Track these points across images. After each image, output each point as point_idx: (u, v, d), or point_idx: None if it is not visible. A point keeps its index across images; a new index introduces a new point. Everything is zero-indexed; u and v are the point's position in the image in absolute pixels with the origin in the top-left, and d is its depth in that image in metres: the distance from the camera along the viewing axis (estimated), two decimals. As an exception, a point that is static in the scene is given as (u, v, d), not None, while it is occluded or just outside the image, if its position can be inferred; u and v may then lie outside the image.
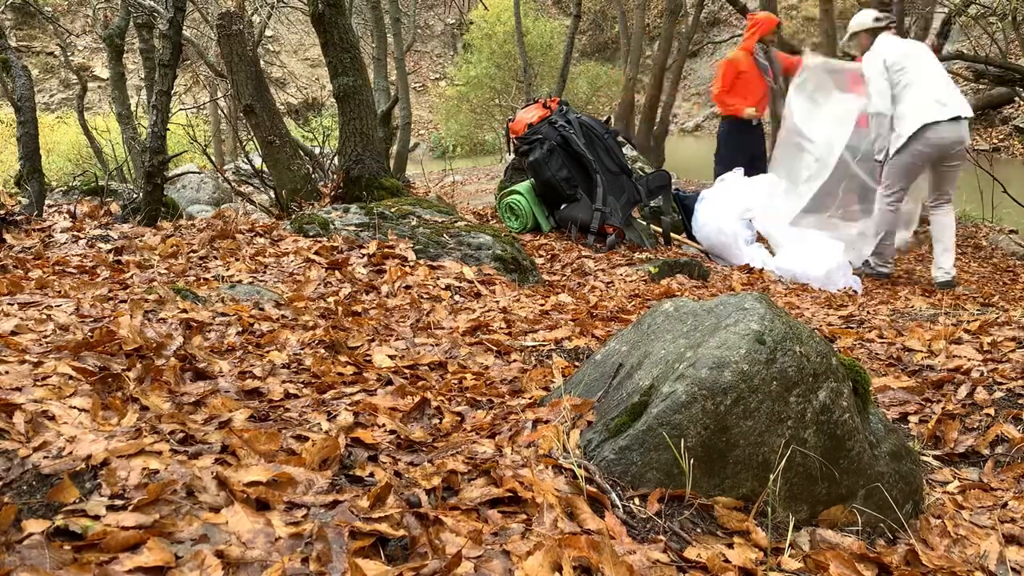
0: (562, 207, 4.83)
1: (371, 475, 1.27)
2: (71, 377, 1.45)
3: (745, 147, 6.26)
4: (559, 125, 4.82)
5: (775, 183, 5.53)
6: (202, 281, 2.51)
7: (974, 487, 1.69)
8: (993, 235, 7.07)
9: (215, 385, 1.58)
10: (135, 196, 4.56)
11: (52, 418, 1.26)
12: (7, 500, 1.03)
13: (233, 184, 7.09)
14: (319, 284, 2.60)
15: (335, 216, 3.53)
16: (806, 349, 1.44)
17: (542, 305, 2.81)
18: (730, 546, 1.27)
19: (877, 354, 2.53)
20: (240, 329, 1.97)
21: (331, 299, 2.42)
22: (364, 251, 3.06)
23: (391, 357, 1.96)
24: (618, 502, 1.30)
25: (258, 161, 5.90)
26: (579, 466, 1.34)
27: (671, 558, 1.19)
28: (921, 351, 2.46)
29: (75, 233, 3.09)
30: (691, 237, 5.56)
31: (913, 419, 2.03)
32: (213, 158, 9.75)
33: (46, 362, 1.49)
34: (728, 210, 5.35)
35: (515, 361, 2.08)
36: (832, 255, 4.93)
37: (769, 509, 1.36)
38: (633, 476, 1.37)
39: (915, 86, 4.76)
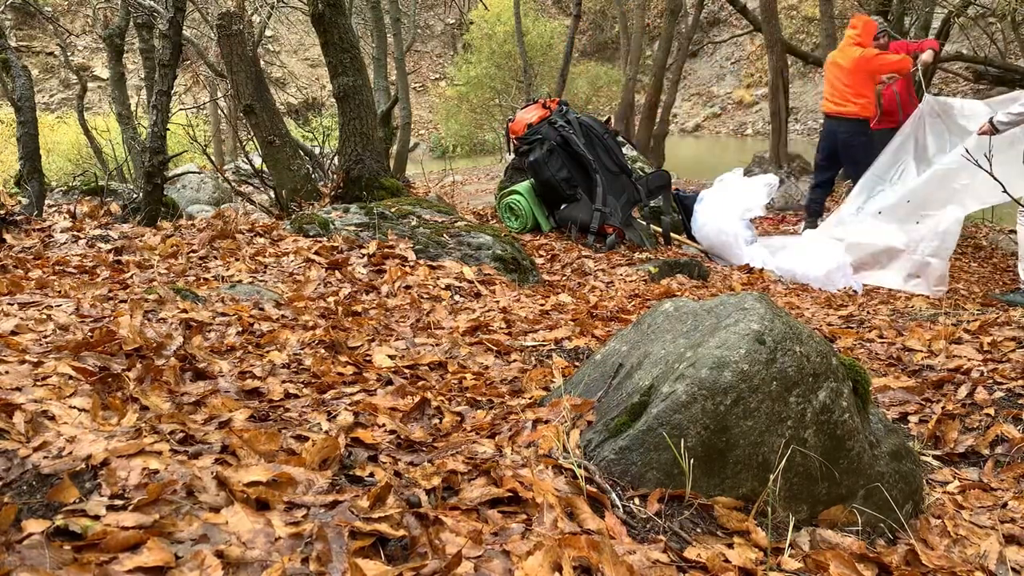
0: (562, 207, 4.83)
1: (371, 475, 1.27)
2: (71, 377, 1.45)
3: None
4: (559, 125, 4.82)
5: (774, 182, 5.51)
6: (202, 281, 2.51)
7: (974, 487, 1.69)
8: (993, 235, 7.07)
9: (215, 385, 1.58)
10: (135, 196, 4.57)
11: (52, 418, 1.26)
12: (7, 500, 1.03)
13: (233, 184, 7.09)
14: (319, 284, 2.60)
15: (335, 216, 3.53)
16: (806, 349, 1.44)
17: (542, 305, 2.81)
18: (730, 546, 1.27)
19: (877, 354, 2.53)
20: (240, 329, 1.97)
21: (331, 299, 2.42)
22: (364, 251, 3.06)
23: (391, 357, 1.96)
24: (618, 502, 1.30)
25: (258, 161, 5.90)
26: (579, 466, 1.34)
27: (671, 558, 1.19)
28: (921, 351, 2.46)
29: (75, 233, 3.09)
30: (691, 237, 5.56)
31: (913, 419, 2.03)
32: (213, 158, 9.74)
33: (46, 362, 1.49)
34: (728, 210, 5.35)
35: (515, 361, 2.08)
36: (832, 255, 4.93)
37: (769, 509, 1.36)
38: (633, 476, 1.36)
39: None
